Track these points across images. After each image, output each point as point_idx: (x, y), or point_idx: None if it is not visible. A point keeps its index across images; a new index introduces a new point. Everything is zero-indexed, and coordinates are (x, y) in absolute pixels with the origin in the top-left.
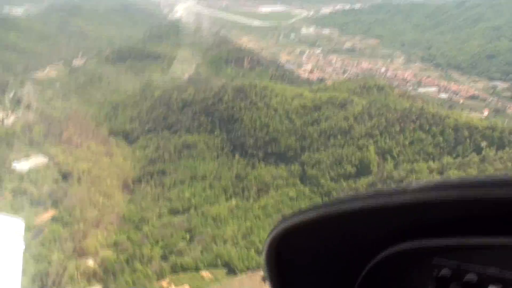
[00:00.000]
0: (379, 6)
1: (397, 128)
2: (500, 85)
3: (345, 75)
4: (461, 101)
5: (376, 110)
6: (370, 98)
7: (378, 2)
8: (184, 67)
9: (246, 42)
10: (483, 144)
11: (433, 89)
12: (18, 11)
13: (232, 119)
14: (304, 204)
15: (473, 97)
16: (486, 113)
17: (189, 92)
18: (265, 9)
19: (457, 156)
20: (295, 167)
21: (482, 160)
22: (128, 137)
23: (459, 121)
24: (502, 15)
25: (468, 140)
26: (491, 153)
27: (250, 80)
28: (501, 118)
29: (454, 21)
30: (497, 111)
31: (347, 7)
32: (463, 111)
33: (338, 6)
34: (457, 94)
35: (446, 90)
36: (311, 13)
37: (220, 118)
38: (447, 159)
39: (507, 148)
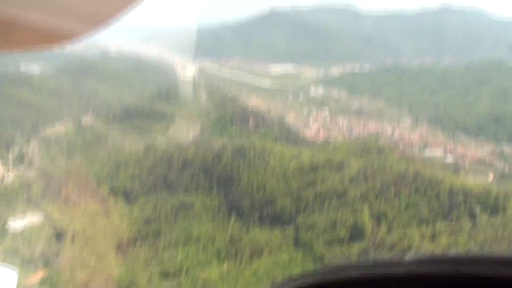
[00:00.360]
0: (388, 68)
1: (393, 192)
2: (508, 149)
3: (351, 136)
4: (467, 164)
5: (372, 173)
6: (368, 160)
7: (388, 64)
8: (189, 126)
9: (255, 102)
10: (477, 209)
11: (439, 151)
12: (34, 68)
13: (230, 179)
14: (295, 269)
15: (479, 161)
16: (491, 177)
17: (190, 151)
18: (276, 69)
19: (451, 221)
20: (289, 231)
21: (474, 226)
22: (128, 197)
23: (455, 185)
24: (509, 79)
25: (462, 205)
26: (483, 219)
27: (251, 141)
28: (507, 183)
29: (462, 83)
30: (503, 176)
31: (357, 68)
32: (463, 175)
33: (348, 67)
34: (463, 157)
35: (452, 153)
36: (321, 73)
37: (218, 179)
38: (440, 224)
39: (500, 214)
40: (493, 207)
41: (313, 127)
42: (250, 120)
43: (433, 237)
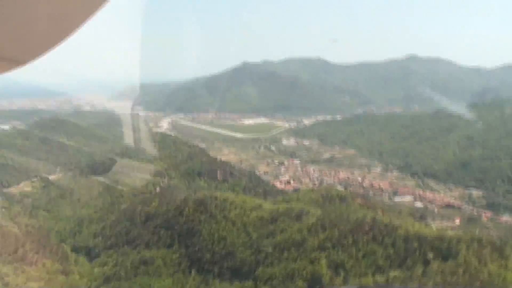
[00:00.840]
0: (358, 117)
1: (350, 240)
2: (475, 193)
3: (320, 185)
4: (436, 209)
5: (330, 221)
6: (327, 208)
7: (359, 113)
8: (156, 180)
9: (226, 154)
10: (430, 255)
11: (408, 198)
12: (4, 128)
13: (191, 232)
14: None
15: (448, 206)
16: (457, 221)
17: (154, 205)
18: (249, 121)
19: (407, 269)
20: (249, 283)
21: (424, 273)
22: (90, 254)
23: (411, 231)
24: (474, 125)
25: (417, 252)
26: (435, 265)
27: (212, 193)
28: (473, 227)
29: (429, 130)
30: (470, 220)
31: (328, 118)
32: (430, 220)
33: (319, 117)
34: (432, 203)
35: (421, 199)
36: (293, 124)
37: (179, 232)
38: (394, 272)
39: (450, 260)
40: (446, 252)
41: (284, 177)
42: (218, 172)
43: (387, 285)
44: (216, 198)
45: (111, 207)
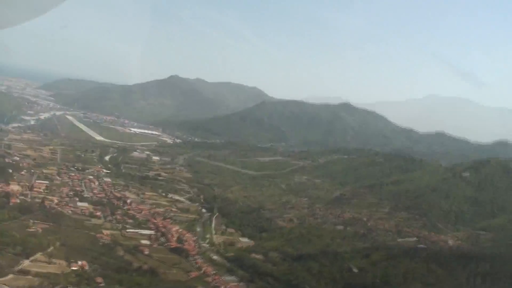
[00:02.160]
0: (373, 157)
1: None
2: (484, 235)
3: (324, 225)
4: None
5: None
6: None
7: (374, 152)
8: None
9: (235, 190)
10: None
11: (412, 239)
12: None
13: None
14: None
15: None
16: None
17: None
18: (264, 159)
19: None
20: None
21: None
22: None
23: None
24: (489, 165)
25: None
26: None
27: None
28: None
29: (443, 170)
30: None
31: (344, 157)
32: None
33: (335, 156)
34: (436, 245)
35: (426, 240)
36: (308, 163)
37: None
38: None
39: None
40: None
41: (288, 215)
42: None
43: None
44: None
45: None
